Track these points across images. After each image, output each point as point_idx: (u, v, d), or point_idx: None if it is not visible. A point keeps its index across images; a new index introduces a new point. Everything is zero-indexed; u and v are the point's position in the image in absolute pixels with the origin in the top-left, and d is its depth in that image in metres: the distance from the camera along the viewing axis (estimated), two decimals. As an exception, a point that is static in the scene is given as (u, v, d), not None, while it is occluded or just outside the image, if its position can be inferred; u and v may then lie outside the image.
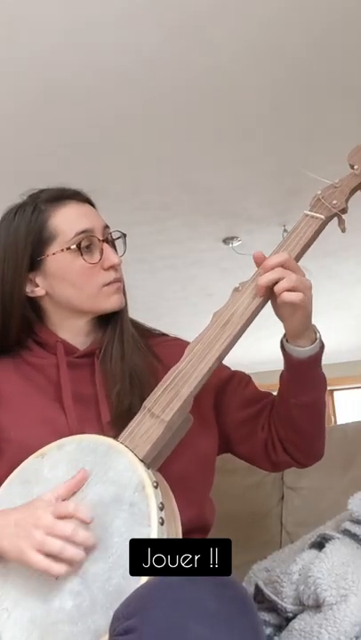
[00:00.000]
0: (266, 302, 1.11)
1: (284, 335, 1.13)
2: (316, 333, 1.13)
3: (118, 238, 1.23)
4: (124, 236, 1.23)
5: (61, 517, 0.94)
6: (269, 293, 1.08)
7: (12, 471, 1.08)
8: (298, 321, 1.09)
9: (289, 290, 1.05)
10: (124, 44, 2.36)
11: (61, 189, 1.22)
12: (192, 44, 2.38)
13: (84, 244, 1.16)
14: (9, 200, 1.24)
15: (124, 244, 1.24)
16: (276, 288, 1.05)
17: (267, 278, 1.06)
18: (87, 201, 1.23)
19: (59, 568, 0.92)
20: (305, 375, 1.14)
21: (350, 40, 2.42)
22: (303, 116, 2.90)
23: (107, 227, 1.21)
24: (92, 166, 3.14)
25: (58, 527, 0.93)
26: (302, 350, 1.11)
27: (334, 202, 1.13)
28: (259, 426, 1.21)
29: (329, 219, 1.14)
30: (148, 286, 4.81)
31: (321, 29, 2.36)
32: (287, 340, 1.13)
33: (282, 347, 1.14)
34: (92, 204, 1.24)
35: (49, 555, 0.92)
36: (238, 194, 3.62)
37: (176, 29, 2.31)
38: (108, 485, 0.99)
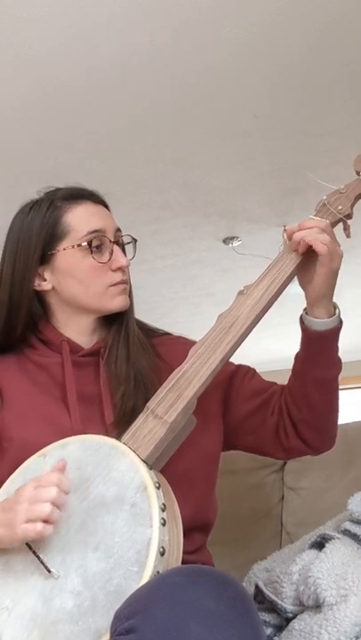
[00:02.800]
0: (273, 302, 1.11)
1: (304, 309, 1.15)
2: (335, 309, 1.15)
3: (129, 243, 1.26)
4: (135, 241, 1.25)
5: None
6: (304, 249, 1.11)
7: (14, 470, 1.08)
8: (321, 282, 1.10)
9: (324, 244, 1.08)
10: (124, 44, 2.36)
11: (78, 189, 1.24)
12: (191, 43, 2.38)
13: (94, 243, 1.18)
14: (9, 200, 1.25)
15: (134, 248, 1.26)
16: (312, 238, 1.08)
17: (305, 232, 1.09)
18: (102, 203, 1.25)
19: (48, 528, 0.94)
20: (322, 349, 1.15)
21: (349, 39, 2.42)
22: (303, 116, 2.90)
23: (119, 230, 1.23)
24: (91, 166, 3.14)
25: (41, 494, 0.95)
26: (321, 322, 1.13)
27: (340, 207, 1.14)
28: (268, 412, 1.21)
29: (334, 224, 1.15)
30: (149, 286, 4.80)
31: (320, 28, 2.36)
32: (307, 313, 1.14)
33: (301, 321, 1.15)
34: (106, 207, 1.25)
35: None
36: (238, 194, 3.62)
37: (175, 30, 2.31)
38: (110, 485, 0.99)
